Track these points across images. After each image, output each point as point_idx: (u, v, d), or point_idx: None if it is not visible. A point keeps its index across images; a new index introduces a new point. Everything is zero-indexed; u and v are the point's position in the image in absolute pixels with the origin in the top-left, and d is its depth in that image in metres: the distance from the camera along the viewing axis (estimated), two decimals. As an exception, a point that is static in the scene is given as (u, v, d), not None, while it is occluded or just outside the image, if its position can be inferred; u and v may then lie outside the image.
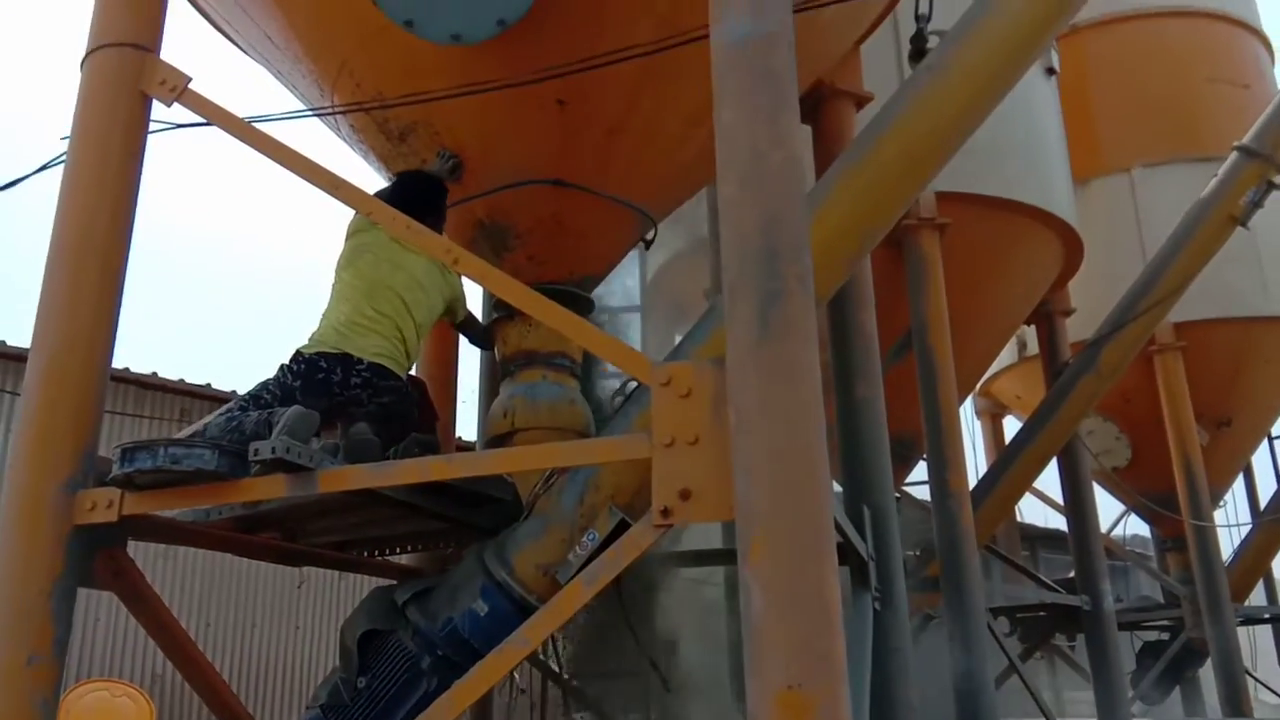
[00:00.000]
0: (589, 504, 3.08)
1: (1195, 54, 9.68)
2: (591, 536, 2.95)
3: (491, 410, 3.64)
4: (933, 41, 3.86)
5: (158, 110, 3.41)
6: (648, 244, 4.14)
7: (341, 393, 3.33)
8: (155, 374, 10.69)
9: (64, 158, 3.34)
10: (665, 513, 2.37)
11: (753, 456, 2.24)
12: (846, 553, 3.85)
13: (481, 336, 4.05)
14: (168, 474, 2.82)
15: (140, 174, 3.37)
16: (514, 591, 3.08)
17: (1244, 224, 7.10)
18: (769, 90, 2.42)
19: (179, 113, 3.38)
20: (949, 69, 3.37)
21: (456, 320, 3.97)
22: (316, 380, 3.32)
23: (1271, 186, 7.06)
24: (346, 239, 3.63)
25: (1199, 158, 8.77)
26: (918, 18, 4.21)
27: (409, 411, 3.47)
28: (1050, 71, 7.64)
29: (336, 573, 4.75)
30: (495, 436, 3.57)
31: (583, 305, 3.89)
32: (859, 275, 4.60)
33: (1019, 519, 11.70)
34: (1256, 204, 7.04)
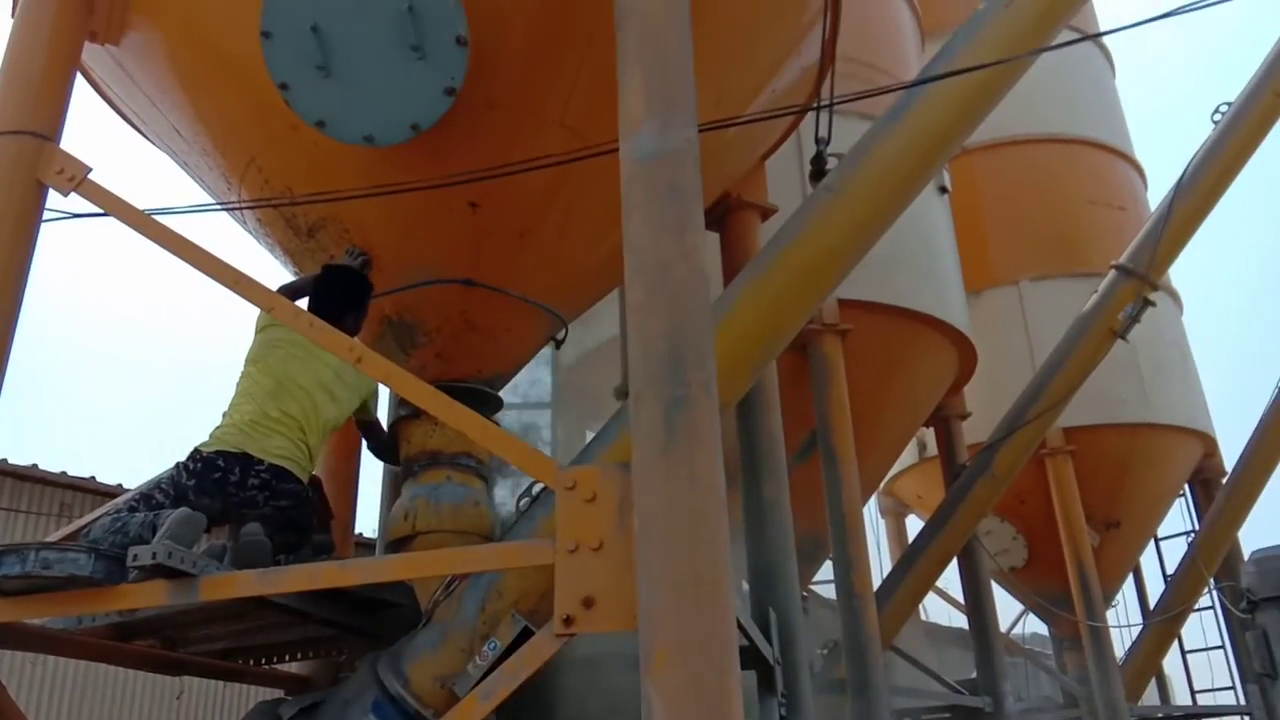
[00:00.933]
0: (491, 611, 3.00)
1: (1075, 178, 10.38)
2: (493, 646, 2.86)
3: (393, 512, 3.54)
4: (832, 163, 4.06)
5: (54, 200, 3.33)
6: (558, 343, 4.16)
7: (237, 493, 3.22)
8: (35, 465, 10.15)
9: (-51, 243, 3.21)
10: (568, 621, 2.33)
11: (656, 563, 2.23)
12: (752, 657, 3.82)
13: (381, 443, 4.00)
14: (38, 580, 2.66)
15: (30, 262, 3.26)
16: (408, 706, 2.95)
17: (1123, 337, 7.54)
18: (675, 205, 2.50)
19: (77, 203, 3.31)
20: (846, 190, 3.54)
21: (366, 418, 3.90)
22: (212, 480, 3.21)
23: (1147, 303, 7.53)
24: (257, 331, 3.56)
25: (1081, 273, 9.33)
26: (817, 140, 4.43)
27: (306, 518, 3.36)
28: (943, 190, 8.07)
29: (220, 682, 4.47)
30: (395, 539, 3.47)
31: (491, 403, 3.87)
32: (765, 379, 4.70)
33: (923, 618, 11.83)
34: (1134, 318, 7.49)
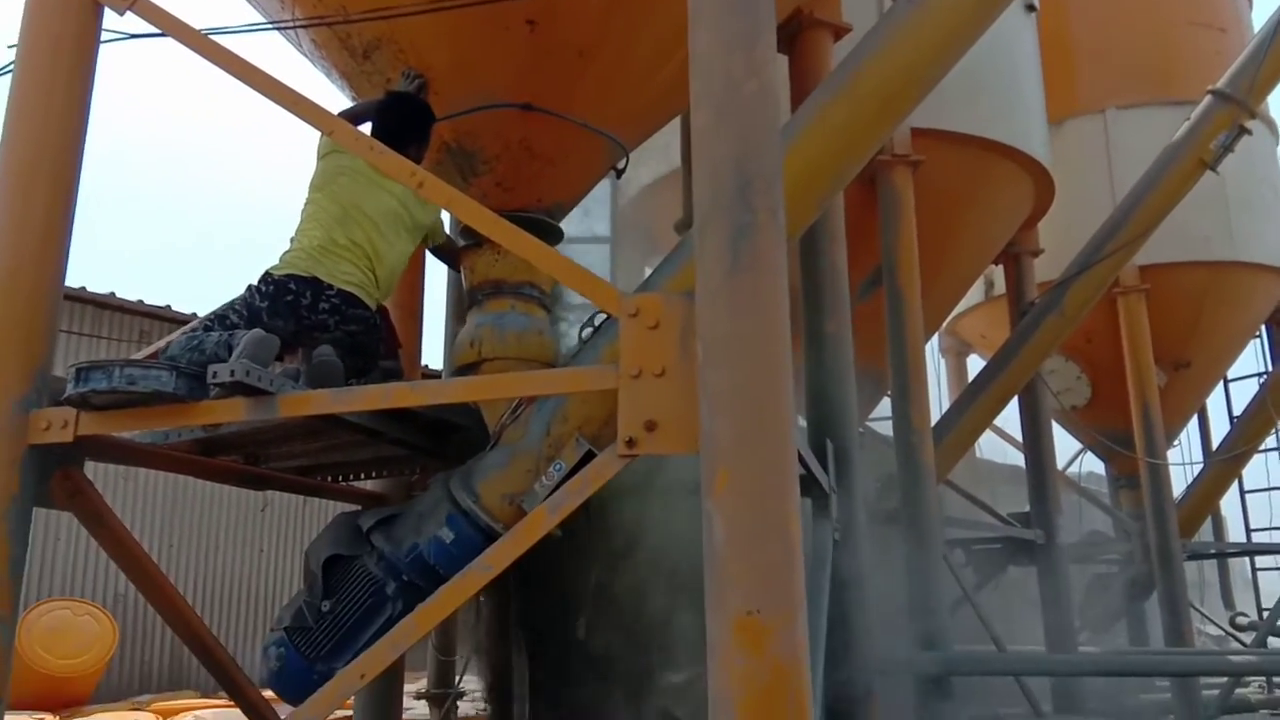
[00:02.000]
0: (555, 435, 3.08)
1: (1175, -4, 9.60)
2: (558, 467, 2.95)
3: (458, 339, 3.59)
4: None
5: (111, 20, 3.28)
6: (619, 173, 4.07)
7: (309, 316, 3.28)
8: (113, 294, 10.50)
9: (10, 67, 3.21)
10: (630, 443, 2.37)
11: (719, 389, 2.24)
12: (809, 485, 3.90)
13: (456, 259, 3.99)
14: (124, 395, 2.78)
15: (92, 86, 3.25)
16: (480, 519, 3.08)
17: (1214, 168, 7.12)
18: (745, 17, 2.36)
19: (134, 23, 3.26)
20: (928, 3, 3.30)
21: (441, 243, 3.90)
22: (285, 303, 3.27)
23: (1243, 131, 7.06)
24: (319, 157, 3.53)
25: (1174, 100, 8.75)
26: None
27: (375, 345, 3.42)
28: (1030, 8, 7.54)
29: (301, 497, 4.73)
30: (461, 366, 3.54)
31: (552, 234, 3.84)
32: (831, 211, 4.57)
33: (978, 455, 11.92)
34: (1227, 148, 7.04)
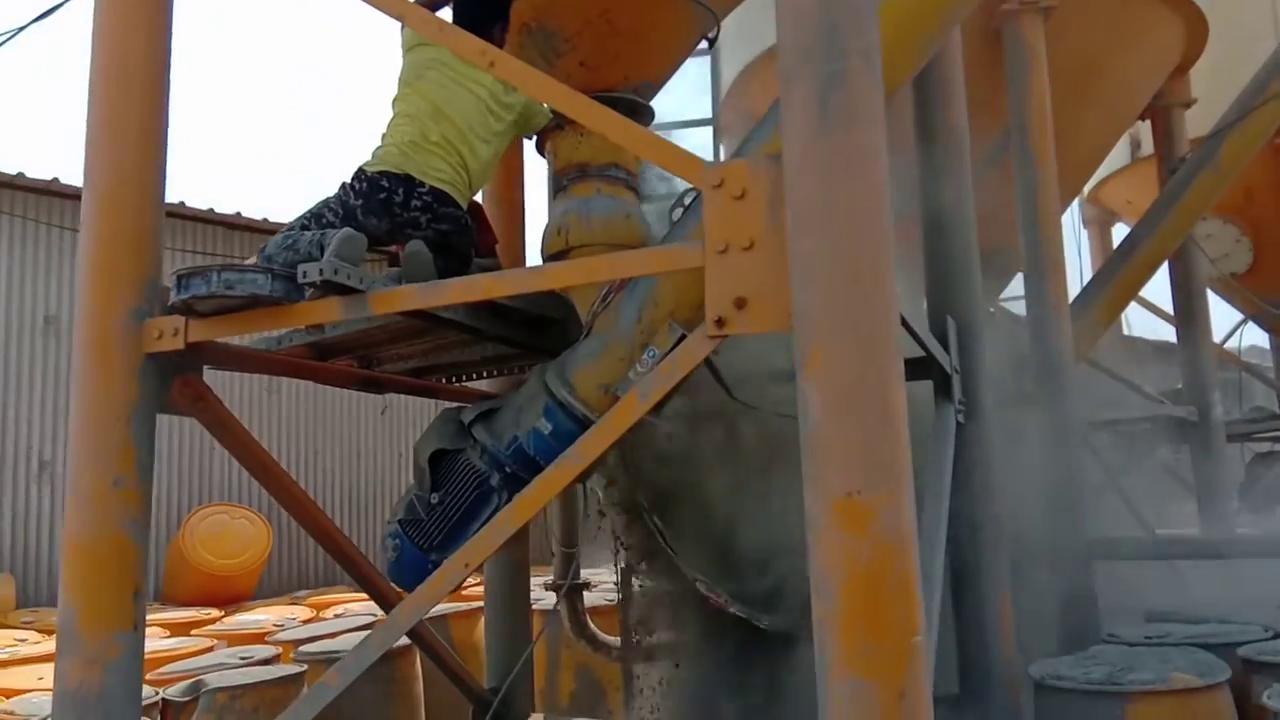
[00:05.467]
0: (648, 320, 2.96)
1: None
2: (652, 354, 2.85)
3: (545, 228, 3.50)
4: None
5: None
6: (710, 42, 3.81)
7: (402, 214, 3.24)
8: (212, 210, 10.61)
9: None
10: (720, 323, 2.24)
11: (812, 259, 2.07)
12: (928, 366, 3.68)
13: None
14: (224, 299, 2.82)
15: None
16: (576, 410, 3.03)
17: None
18: None
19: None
20: None
21: (534, 130, 3.76)
22: (378, 200, 3.24)
23: None
24: (405, 51, 3.44)
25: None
26: None
27: (466, 245, 3.36)
28: None
29: (417, 399, 4.83)
30: (550, 255, 3.45)
31: (642, 113, 3.65)
32: (947, 67, 4.18)
33: (1128, 331, 11.20)
34: None
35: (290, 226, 3.43)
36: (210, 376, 3.29)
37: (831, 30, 2.08)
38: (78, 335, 3.00)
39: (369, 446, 11.80)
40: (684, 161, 2.38)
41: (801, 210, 2.10)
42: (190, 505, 9.64)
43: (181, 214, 10.39)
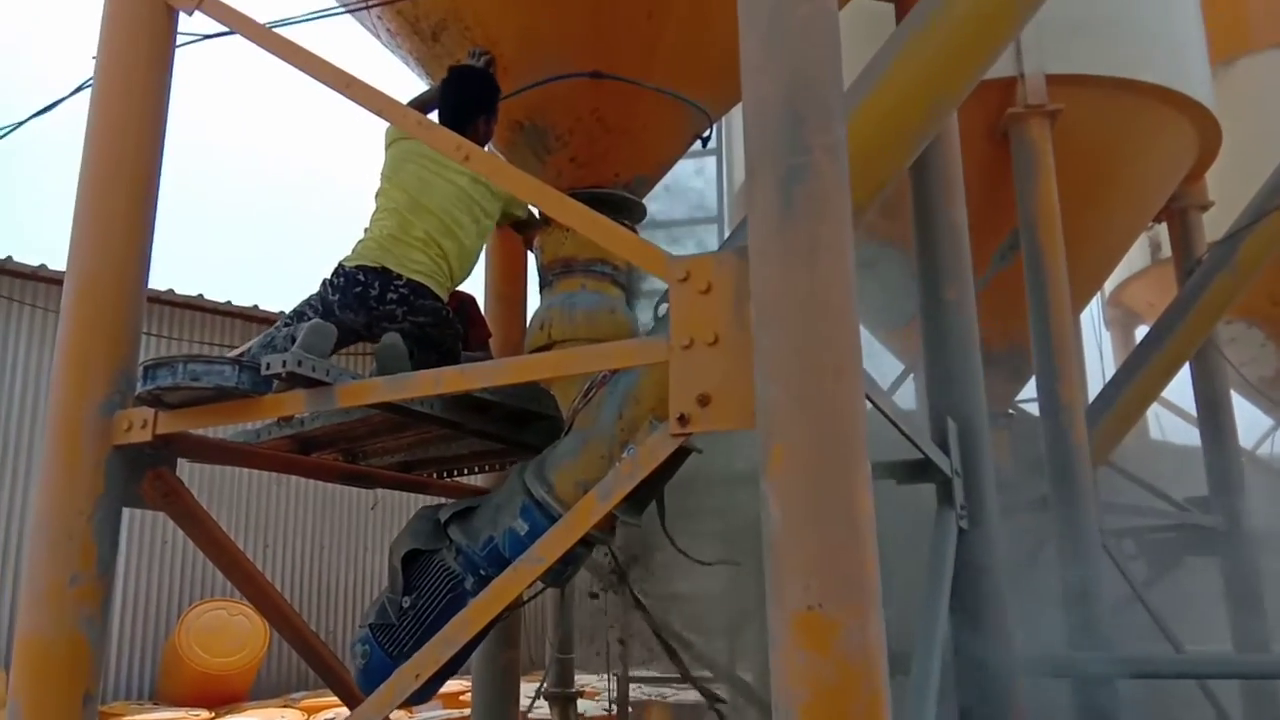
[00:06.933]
0: (629, 417, 2.87)
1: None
2: (631, 452, 2.75)
3: (530, 323, 3.45)
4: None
5: (183, 22, 3.32)
6: (704, 141, 3.82)
7: (378, 307, 3.22)
8: (201, 295, 10.62)
9: (91, 81, 3.28)
10: (683, 420, 2.14)
11: (774, 353, 1.98)
12: (925, 469, 3.54)
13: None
14: (191, 391, 2.76)
15: (169, 89, 3.29)
16: (553, 510, 2.92)
17: None
18: (789, -70, 2.08)
19: (204, 23, 3.28)
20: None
21: (521, 220, 3.75)
22: (354, 294, 3.22)
23: None
24: (387, 146, 3.48)
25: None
26: None
27: (446, 337, 3.32)
28: (1184, -67, 6.77)
29: (413, 495, 4.73)
30: (534, 350, 3.39)
31: (631, 209, 3.63)
32: (947, 166, 4.15)
33: (1157, 436, 10.92)
34: None
35: (275, 324, 3.42)
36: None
37: (795, 123, 2.04)
38: (48, 425, 2.95)
39: (375, 542, 11.63)
40: (649, 255, 2.32)
41: (765, 304, 2.02)
42: (190, 599, 9.47)
43: (171, 301, 10.30)
